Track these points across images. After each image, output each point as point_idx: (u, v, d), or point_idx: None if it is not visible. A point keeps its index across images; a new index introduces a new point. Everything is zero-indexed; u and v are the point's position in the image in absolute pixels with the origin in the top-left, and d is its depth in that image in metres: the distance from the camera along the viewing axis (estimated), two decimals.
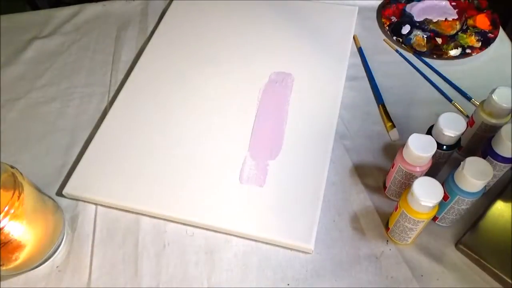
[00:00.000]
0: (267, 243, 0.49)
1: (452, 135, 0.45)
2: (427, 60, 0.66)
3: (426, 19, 0.71)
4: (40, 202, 0.47)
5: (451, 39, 0.68)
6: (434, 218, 0.49)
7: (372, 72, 0.65)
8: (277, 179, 0.53)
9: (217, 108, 0.60)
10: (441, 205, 0.46)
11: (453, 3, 0.73)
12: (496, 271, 0.45)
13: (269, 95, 0.61)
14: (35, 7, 0.77)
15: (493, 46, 0.67)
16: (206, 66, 0.65)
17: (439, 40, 0.68)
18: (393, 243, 0.49)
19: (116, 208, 0.52)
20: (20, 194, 0.42)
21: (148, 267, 0.48)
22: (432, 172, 0.48)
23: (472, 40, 0.67)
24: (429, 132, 0.48)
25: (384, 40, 0.70)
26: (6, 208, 0.41)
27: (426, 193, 0.41)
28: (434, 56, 0.66)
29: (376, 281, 0.47)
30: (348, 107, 0.61)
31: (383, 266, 0.48)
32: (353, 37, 0.69)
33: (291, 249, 0.49)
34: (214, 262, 0.48)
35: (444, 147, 0.47)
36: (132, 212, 0.52)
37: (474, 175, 0.41)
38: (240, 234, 0.50)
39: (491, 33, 0.67)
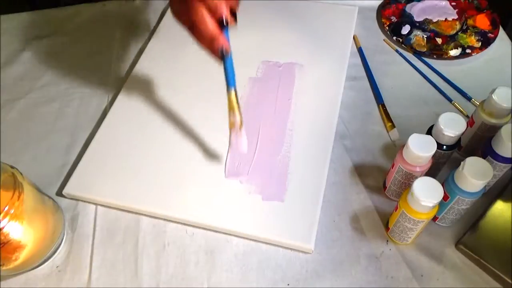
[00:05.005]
0: (267, 243, 0.49)
1: (452, 135, 0.45)
2: (427, 60, 0.66)
3: (426, 19, 0.71)
4: (40, 202, 0.47)
5: (451, 39, 0.68)
6: (434, 218, 0.49)
7: (372, 72, 0.65)
8: (277, 179, 0.53)
9: (218, 108, 0.60)
10: (441, 205, 0.45)
11: (453, 3, 0.73)
12: (496, 271, 0.45)
13: (269, 96, 0.61)
14: (35, 7, 0.76)
15: (493, 46, 0.67)
16: (206, 66, 0.65)
17: (439, 40, 0.68)
18: (393, 243, 0.49)
19: (116, 208, 0.52)
20: (20, 194, 0.42)
21: (148, 267, 0.48)
22: (432, 172, 0.48)
23: (472, 40, 0.67)
24: (429, 132, 0.48)
25: (384, 40, 0.70)
26: (6, 208, 0.41)
27: (426, 193, 0.41)
28: (434, 56, 0.66)
29: (376, 281, 0.47)
30: (348, 107, 0.61)
31: (383, 266, 0.48)
32: (353, 37, 0.69)
33: (291, 249, 0.49)
34: (214, 262, 0.48)
35: (444, 147, 0.47)
36: (132, 212, 0.52)
37: (474, 175, 0.41)
38: (240, 234, 0.50)
39: (491, 33, 0.67)
